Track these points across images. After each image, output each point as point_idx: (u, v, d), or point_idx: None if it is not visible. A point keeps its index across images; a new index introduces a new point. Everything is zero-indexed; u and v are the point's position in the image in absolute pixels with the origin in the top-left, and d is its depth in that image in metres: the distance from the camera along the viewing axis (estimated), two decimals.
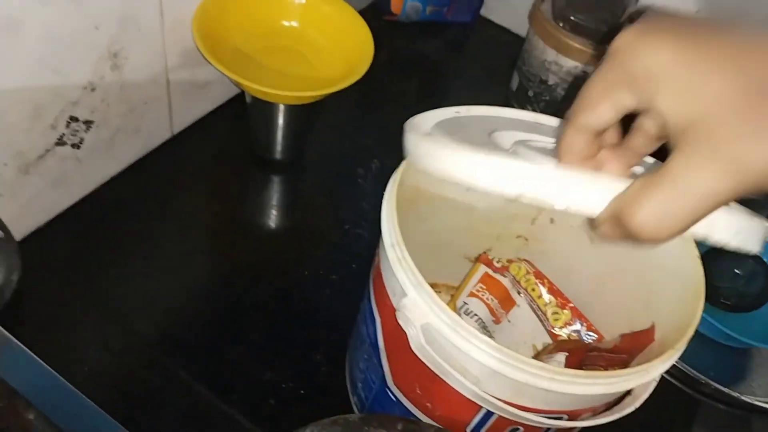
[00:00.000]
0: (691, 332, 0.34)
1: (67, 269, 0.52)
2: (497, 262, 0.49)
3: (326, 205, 0.65)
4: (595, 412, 0.34)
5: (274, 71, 0.61)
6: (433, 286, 0.57)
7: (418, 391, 0.37)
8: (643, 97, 0.25)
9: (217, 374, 0.48)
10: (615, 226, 0.27)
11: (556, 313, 0.47)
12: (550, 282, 0.48)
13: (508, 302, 0.48)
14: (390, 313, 0.35)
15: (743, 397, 0.55)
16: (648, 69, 0.25)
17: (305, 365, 0.50)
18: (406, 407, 0.38)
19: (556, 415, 0.33)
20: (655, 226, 0.25)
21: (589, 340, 0.46)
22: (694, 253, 0.39)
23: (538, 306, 0.48)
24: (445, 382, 0.33)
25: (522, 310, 0.48)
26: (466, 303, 0.47)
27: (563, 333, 0.47)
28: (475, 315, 0.47)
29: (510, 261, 0.49)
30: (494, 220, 0.52)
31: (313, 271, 0.57)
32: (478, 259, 0.50)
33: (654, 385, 0.34)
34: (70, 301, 0.50)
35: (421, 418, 0.38)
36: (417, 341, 0.32)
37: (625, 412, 0.33)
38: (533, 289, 0.48)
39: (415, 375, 0.35)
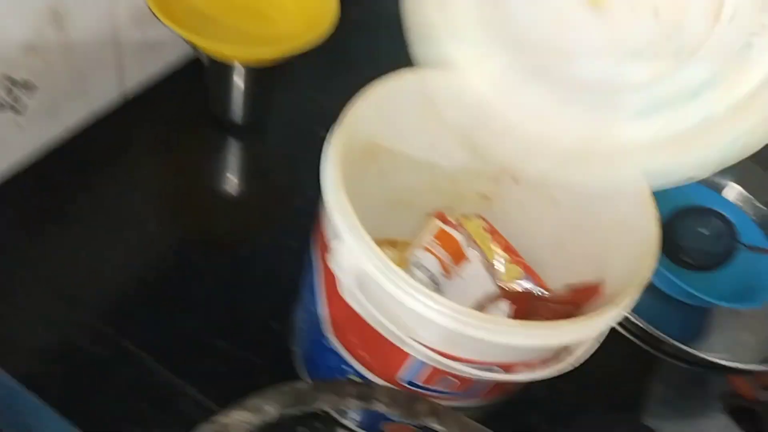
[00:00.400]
0: (637, 289, 0.34)
1: (7, 240, 0.51)
2: (452, 217, 0.48)
3: (288, 171, 0.63)
4: (530, 367, 0.33)
5: (232, 30, 0.59)
6: (393, 242, 0.57)
7: (352, 339, 0.36)
8: None
9: (168, 345, 0.48)
10: None
11: (506, 268, 0.47)
12: (504, 239, 0.48)
13: (460, 257, 0.48)
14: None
15: (702, 355, 0.55)
16: None
17: (261, 334, 0.50)
18: (341, 356, 0.39)
19: (487, 366, 0.33)
20: None
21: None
22: (651, 213, 0.38)
23: (488, 261, 0.47)
24: (376, 330, 0.32)
25: (473, 266, 0.48)
26: (417, 257, 0.47)
27: (512, 288, 0.46)
28: (426, 269, 0.46)
29: (465, 217, 0.49)
30: (457, 178, 0.52)
31: (272, 239, 0.56)
32: (433, 214, 0.49)
33: (596, 344, 0.34)
34: (10, 273, 0.49)
35: (355, 367, 0.38)
36: (347, 286, 0.31)
37: (562, 369, 0.33)
38: (485, 245, 0.48)
39: (349, 322, 0.35)
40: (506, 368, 0.34)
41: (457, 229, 0.49)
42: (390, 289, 0.30)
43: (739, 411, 0.56)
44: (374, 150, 0.46)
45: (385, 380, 0.37)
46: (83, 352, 0.46)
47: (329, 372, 0.42)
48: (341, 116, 0.38)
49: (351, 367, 0.39)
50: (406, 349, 0.33)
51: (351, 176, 0.46)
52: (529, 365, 0.34)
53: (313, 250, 0.39)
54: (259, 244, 0.56)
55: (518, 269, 0.47)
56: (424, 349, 0.32)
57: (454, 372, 0.33)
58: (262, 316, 0.51)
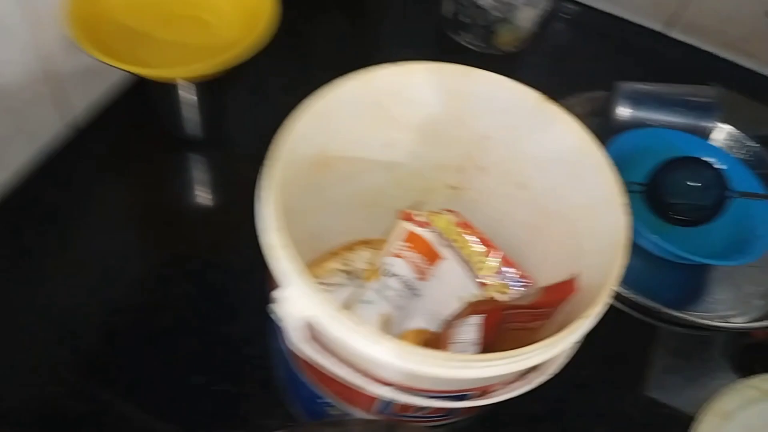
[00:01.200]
0: (604, 294, 0.32)
1: None
2: (418, 216, 0.46)
3: (254, 180, 0.60)
4: (508, 385, 0.32)
5: (170, 44, 0.56)
6: (367, 242, 0.55)
7: (320, 379, 0.35)
8: None
9: (145, 387, 0.47)
10: None
11: (482, 262, 0.45)
12: (478, 231, 0.46)
13: (432, 257, 0.46)
14: None
15: (699, 319, 0.53)
16: None
17: (237, 364, 0.48)
18: (315, 391, 0.37)
19: (460, 393, 0.31)
20: None
21: (519, 288, 0.44)
22: (618, 201, 0.36)
23: (464, 257, 0.45)
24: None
25: (449, 263, 0.46)
26: (388, 264, 0.45)
27: (492, 282, 0.45)
28: (397, 276, 0.44)
29: (433, 213, 0.47)
30: (420, 173, 0.49)
31: (242, 256, 0.54)
32: (399, 216, 0.47)
33: (568, 351, 0.32)
34: None
35: (331, 401, 0.36)
36: (295, 338, 0.30)
37: (543, 378, 0.31)
38: (458, 240, 0.45)
39: (310, 367, 0.33)
40: (482, 391, 0.33)
41: (426, 228, 0.46)
42: (340, 336, 0.29)
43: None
44: (326, 162, 0.44)
45: (364, 411, 0.36)
46: (57, 410, 0.45)
47: (308, 404, 0.40)
48: (275, 142, 0.35)
49: (327, 401, 0.37)
50: (369, 393, 0.31)
51: (306, 189, 0.44)
52: (506, 383, 0.33)
53: (268, 286, 0.37)
54: (229, 264, 0.54)
55: (496, 261, 0.45)
56: (389, 389, 0.31)
57: (425, 405, 0.32)
58: (235, 343, 0.49)
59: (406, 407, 0.34)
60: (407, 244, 0.46)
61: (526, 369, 0.30)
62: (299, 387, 0.39)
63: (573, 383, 0.49)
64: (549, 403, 0.46)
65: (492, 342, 0.38)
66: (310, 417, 0.44)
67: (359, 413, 0.36)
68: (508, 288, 0.45)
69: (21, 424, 0.44)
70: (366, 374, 0.31)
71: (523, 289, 0.45)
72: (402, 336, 0.45)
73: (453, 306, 0.46)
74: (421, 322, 0.45)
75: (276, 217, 0.32)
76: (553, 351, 0.29)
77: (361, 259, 0.53)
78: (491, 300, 0.43)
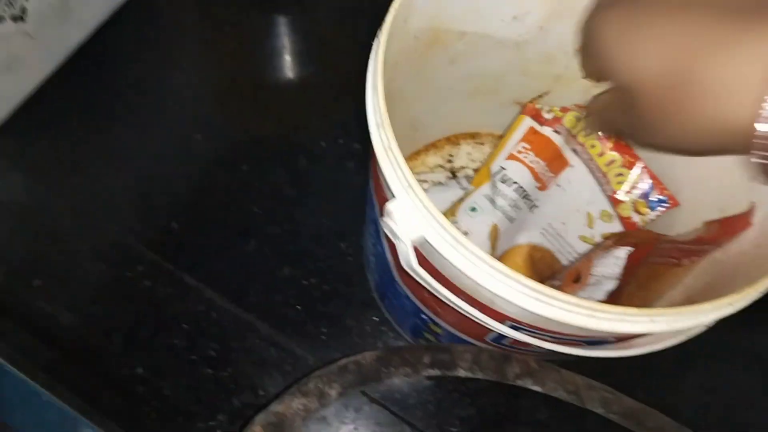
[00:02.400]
0: None
1: (40, 165, 0.47)
2: (547, 112, 0.38)
3: (350, 46, 0.53)
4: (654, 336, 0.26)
5: None
6: (474, 136, 0.47)
7: (425, 298, 0.30)
8: None
9: (228, 275, 0.44)
10: None
11: (620, 174, 0.37)
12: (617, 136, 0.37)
13: (558, 163, 0.38)
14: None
15: None
16: None
17: (329, 257, 0.44)
18: (416, 305, 0.33)
19: (595, 339, 0.25)
20: None
21: (661, 209, 0.36)
22: None
23: (597, 165, 0.38)
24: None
25: (576, 172, 0.38)
26: (503, 168, 0.38)
27: (627, 199, 0.37)
28: (514, 183, 0.38)
29: (565, 110, 0.38)
30: (554, 56, 0.40)
31: (331, 140, 0.49)
32: (522, 110, 0.39)
33: None
34: (45, 202, 0.45)
35: (434, 319, 0.32)
36: (406, 259, 0.24)
37: (696, 332, 0.25)
38: (593, 145, 0.38)
39: (418, 287, 0.28)
40: (621, 339, 0.27)
41: (554, 127, 0.38)
42: (460, 266, 0.23)
43: None
44: (437, 37, 0.36)
45: (473, 339, 0.31)
46: (139, 291, 0.43)
47: (405, 316, 0.36)
48: (388, 16, 0.28)
49: (429, 318, 0.33)
50: (485, 326, 0.26)
51: (411, 70, 0.36)
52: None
53: (371, 186, 0.32)
54: (318, 148, 0.49)
55: (635, 173, 0.37)
56: (509, 327, 0.26)
57: (549, 348, 0.27)
58: (326, 236, 0.45)
59: (520, 343, 0.29)
60: (528, 144, 0.38)
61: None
62: (399, 298, 0.34)
63: None
64: None
65: (629, 275, 0.32)
66: (407, 330, 0.40)
67: (468, 339, 0.31)
68: (648, 208, 0.37)
69: (102, 301, 0.43)
70: (484, 308, 0.26)
71: (664, 210, 0.37)
72: (512, 251, 0.39)
73: (576, 222, 0.39)
74: (535, 236, 0.39)
75: (384, 114, 0.25)
76: (725, 310, 0.22)
77: (466, 155, 0.46)
78: (646, 232, 0.35)
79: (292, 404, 0.27)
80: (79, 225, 0.45)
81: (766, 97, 0.19)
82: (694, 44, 0.21)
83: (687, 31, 0.21)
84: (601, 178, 0.38)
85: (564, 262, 0.39)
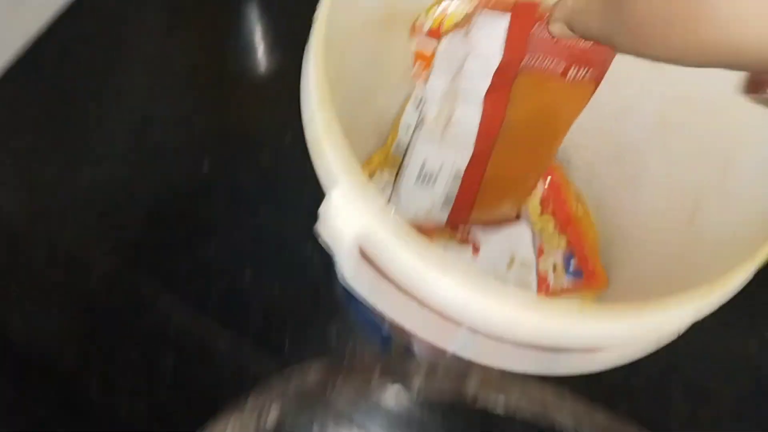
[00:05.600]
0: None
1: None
2: None
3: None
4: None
5: None
6: None
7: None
8: None
9: (188, 280, 0.41)
10: None
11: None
12: None
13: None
14: None
15: None
16: None
17: (294, 260, 0.42)
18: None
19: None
20: None
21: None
22: None
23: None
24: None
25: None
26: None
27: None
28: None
29: None
30: None
31: (298, 133, 0.46)
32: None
33: None
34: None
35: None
36: (343, 268, 0.22)
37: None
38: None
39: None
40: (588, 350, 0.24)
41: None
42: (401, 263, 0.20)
43: None
44: (394, 20, 0.33)
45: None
46: (95, 300, 0.40)
47: (367, 324, 0.33)
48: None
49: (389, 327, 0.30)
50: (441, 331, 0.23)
51: (369, 59, 0.34)
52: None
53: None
54: (282, 143, 0.46)
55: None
56: (465, 332, 0.23)
57: (510, 356, 0.24)
58: (293, 237, 0.42)
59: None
60: None
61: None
62: (359, 305, 0.31)
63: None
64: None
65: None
66: (376, 338, 0.37)
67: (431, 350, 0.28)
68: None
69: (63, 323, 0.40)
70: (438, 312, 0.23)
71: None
72: None
73: None
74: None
75: (322, 86, 0.22)
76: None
77: None
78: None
79: (229, 424, 0.25)
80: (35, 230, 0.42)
81: None
82: None
83: None
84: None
85: None
